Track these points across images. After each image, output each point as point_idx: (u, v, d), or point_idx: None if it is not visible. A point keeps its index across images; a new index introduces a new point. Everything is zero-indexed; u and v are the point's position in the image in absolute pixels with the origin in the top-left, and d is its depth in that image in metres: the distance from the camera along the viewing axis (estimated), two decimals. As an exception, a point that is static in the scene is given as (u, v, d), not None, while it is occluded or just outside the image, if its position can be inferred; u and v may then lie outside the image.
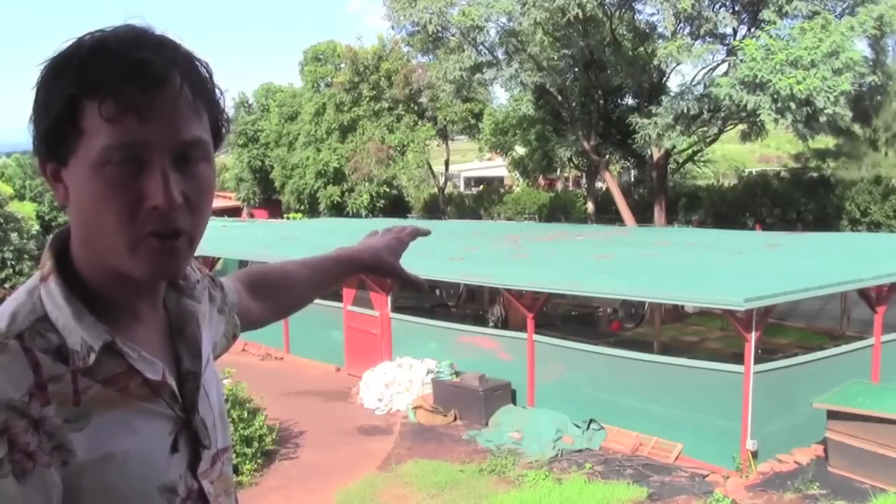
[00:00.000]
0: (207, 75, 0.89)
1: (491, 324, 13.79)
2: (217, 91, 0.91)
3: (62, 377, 0.83)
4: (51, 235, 0.95)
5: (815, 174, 26.32)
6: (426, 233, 1.52)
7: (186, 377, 0.98)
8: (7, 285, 18.20)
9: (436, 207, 32.67)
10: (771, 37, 17.52)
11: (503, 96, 36.38)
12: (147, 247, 0.85)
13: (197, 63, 0.88)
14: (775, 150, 42.35)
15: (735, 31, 20.16)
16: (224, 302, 1.20)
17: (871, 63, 18.77)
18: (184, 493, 0.94)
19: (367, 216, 30.47)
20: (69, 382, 0.84)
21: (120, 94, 0.81)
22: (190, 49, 0.89)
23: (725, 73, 19.13)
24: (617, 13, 21.38)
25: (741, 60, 17.45)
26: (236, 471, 9.18)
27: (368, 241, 1.45)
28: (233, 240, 18.62)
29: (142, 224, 0.84)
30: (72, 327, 0.85)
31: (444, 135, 32.45)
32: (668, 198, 23.44)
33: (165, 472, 0.92)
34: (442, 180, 33.42)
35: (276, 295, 1.35)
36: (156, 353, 0.93)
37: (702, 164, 29.84)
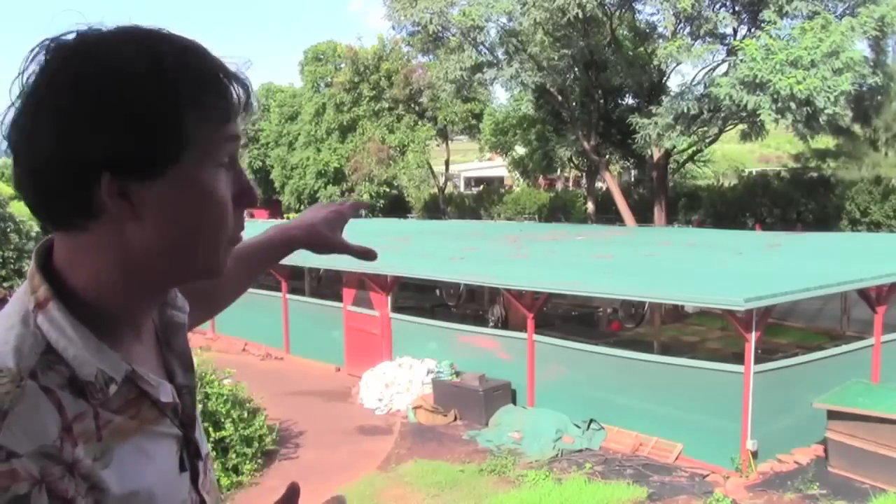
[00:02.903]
0: None
1: (491, 324, 13.77)
2: None
3: (85, 415, 0.79)
4: (33, 252, 0.86)
5: (815, 174, 26.33)
6: (366, 206, 1.45)
7: (181, 391, 0.94)
8: (6, 285, 18.22)
9: (436, 207, 32.68)
10: (771, 37, 17.53)
11: (503, 96, 36.40)
12: (231, 247, 0.89)
13: None
14: (775, 150, 42.34)
15: (735, 31, 20.18)
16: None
17: (871, 63, 18.78)
18: None
19: (366, 216, 30.49)
20: (91, 420, 0.79)
21: (228, 99, 0.82)
22: None
23: (725, 73, 19.15)
24: (617, 13, 21.40)
25: (741, 60, 17.46)
26: (236, 471, 9.19)
27: (304, 218, 1.37)
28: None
29: (236, 224, 0.87)
30: (84, 359, 0.81)
31: (444, 135, 32.47)
32: (668, 198, 23.45)
33: (179, 491, 0.90)
34: (442, 180, 33.43)
35: (199, 297, 1.23)
36: (154, 370, 0.91)
37: (702, 164, 29.87)
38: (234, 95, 0.83)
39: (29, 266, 0.87)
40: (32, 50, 0.80)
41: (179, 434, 0.92)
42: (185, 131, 0.79)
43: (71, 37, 0.80)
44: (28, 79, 0.79)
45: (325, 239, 1.32)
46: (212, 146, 0.82)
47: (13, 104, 0.80)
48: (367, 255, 1.34)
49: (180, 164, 0.80)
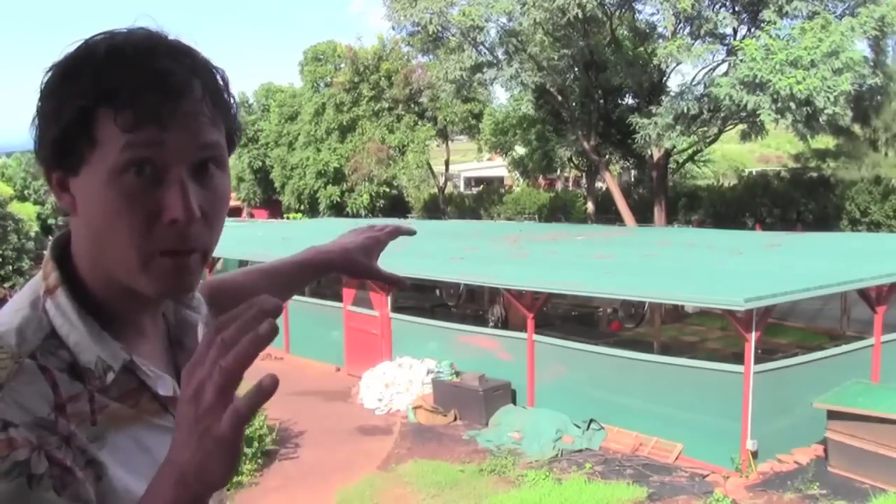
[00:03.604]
0: (223, 83, 0.87)
1: (491, 324, 13.78)
2: (231, 99, 0.89)
3: (80, 396, 0.81)
4: (50, 240, 0.93)
5: (815, 174, 26.33)
6: (410, 232, 1.42)
7: None
8: (7, 284, 18.23)
9: (436, 207, 32.68)
10: (771, 37, 17.52)
11: (503, 96, 36.42)
12: (159, 264, 0.83)
13: (214, 71, 0.86)
14: (775, 150, 42.39)
15: (735, 31, 20.17)
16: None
17: (871, 63, 18.77)
18: None
19: (367, 216, 30.47)
20: (86, 402, 0.82)
21: (140, 103, 0.78)
22: (206, 56, 0.86)
23: (725, 73, 19.14)
24: (617, 13, 21.40)
25: (741, 60, 17.45)
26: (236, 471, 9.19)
27: (341, 241, 1.36)
28: (233, 240, 18.63)
29: (157, 239, 0.82)
30: (85, 345, 0.83)
31: (444, 135, 32.47)
32: (668, 198, 23.44)
33: None
34: (442, 180, 33.43)
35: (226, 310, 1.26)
36: (159, 367, 0.92)
37: (702, 164, 29.84)
38: (149, 102, 0.79)
39: (27, 265, 0.88)
40: None
41: None
42: (96, 131, 0.80)
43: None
44: None
45: (360, 265, 1.32)
46: (120, 150, 0.80)
47: None
48: (398, 283, 1.37)
49: (91, 164, 0.81)
